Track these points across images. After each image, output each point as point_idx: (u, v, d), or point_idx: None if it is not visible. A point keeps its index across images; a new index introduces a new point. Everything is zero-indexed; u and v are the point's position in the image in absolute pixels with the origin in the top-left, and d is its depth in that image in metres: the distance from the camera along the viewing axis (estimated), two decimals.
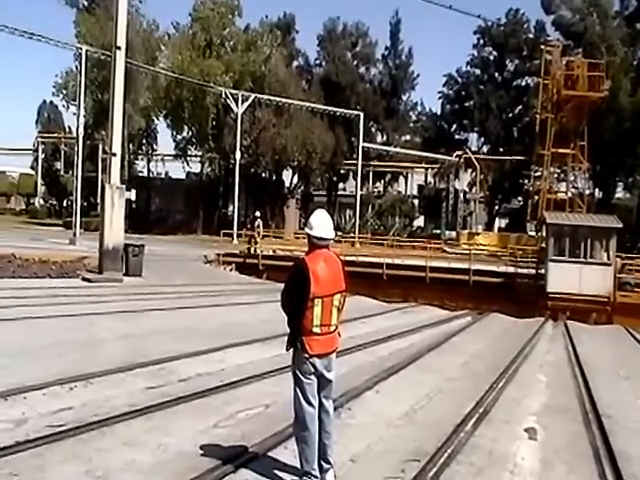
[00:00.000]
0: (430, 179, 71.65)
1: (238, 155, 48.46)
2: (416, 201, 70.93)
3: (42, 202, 77.49)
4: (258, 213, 39.72)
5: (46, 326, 13.10)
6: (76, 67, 49.07)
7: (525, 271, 30.47)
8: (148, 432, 7.01)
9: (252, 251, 35.19)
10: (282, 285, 5.74)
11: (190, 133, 61.81)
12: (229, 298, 20.76)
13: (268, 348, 11.50)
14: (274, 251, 36.19)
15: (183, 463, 6.13)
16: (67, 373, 8.99)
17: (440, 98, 72.16)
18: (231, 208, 53.31)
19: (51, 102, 79.23)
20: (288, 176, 67.79)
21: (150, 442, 6.69)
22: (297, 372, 5.60)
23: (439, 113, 72.86)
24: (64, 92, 57.82)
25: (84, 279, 21.59)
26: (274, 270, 30.33)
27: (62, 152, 73.08)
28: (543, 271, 28.04)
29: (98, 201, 43.52)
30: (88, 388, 8.57)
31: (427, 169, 69.70)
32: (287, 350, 5.65)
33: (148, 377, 9.31)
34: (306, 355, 5.51)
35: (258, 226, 36.14)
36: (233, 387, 9.07)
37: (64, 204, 71.29)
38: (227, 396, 8.62)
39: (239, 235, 43.45)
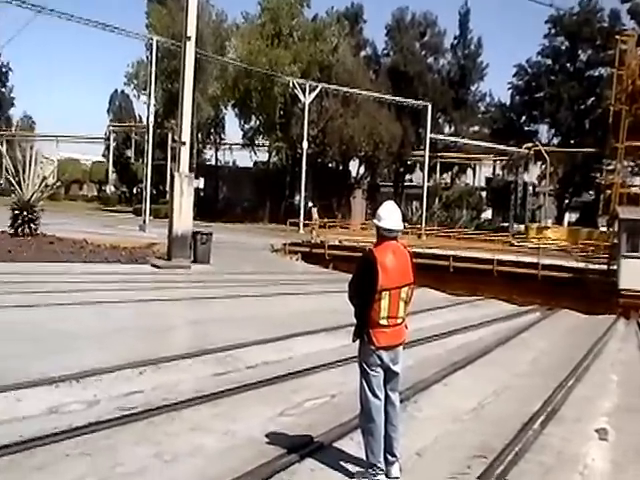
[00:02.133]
0: (498, 171, 70.68)
1: (305, 145, 48.62)
2: (484, 193, 69.99)
3: (113, 189, 79.24)
4: (311, 203, 39.91)
5: (116, 311, 13.40)
6: (147, 57, 50.05)
7: (596, 267, 29.75)
8: (216, 418, 7.10)
9: (312, 241, 35.33)
10: (348, 276, 5.73)
11: (258, 122, 62.23)
12: (295, 287, 20.86)
13: (334, 338, 11.51)
14: (340, 241, 36.21)
15: (250, 450, 6.18)
16: (137, 357, 9.16)
17: (510, 89, 71.17)
18: (298, 197, 53.55)
19: (122, 91, 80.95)
20: (355, 166, 67.71)
21: (218, 428, 6.78)
22: (363, 364, 5.58)
23: (508, 104, 71.77)
24: (135, 82, 58.99)
25: (153, 265, 21.99)
26: (340, 260, 30.40)
27: (133, 140, 74.63)
28: (615, 267, 27.35)
29: (167, 189, 44.34)
30: (157, 373, 8.72)
31: (495, 161, 68.74)
32: (353, 341, 5.64)
33: (215, 363, 9.42)
34: (373, 347, 5.49)
35: (312, 215, 36.27)
36: (300, 376, 9.12)
37: (134, 191, 72.69)
38: (294, 384, 8.67)
39: (305, 225, 43.63)
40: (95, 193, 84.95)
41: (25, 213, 24.40)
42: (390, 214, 5.67)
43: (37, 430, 6.22)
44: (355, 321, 5.62)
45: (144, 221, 38.13)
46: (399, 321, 5.61)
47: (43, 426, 6.36)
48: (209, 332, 12.04)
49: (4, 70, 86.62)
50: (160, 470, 5.66)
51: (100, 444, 6.10)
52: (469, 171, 73.49)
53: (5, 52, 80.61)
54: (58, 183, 33.06)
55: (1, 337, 10.16)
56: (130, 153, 76.20)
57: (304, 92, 49.35)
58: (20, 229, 24.16)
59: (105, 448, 6.01)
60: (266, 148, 64.51)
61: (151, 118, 40.84)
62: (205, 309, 14.90)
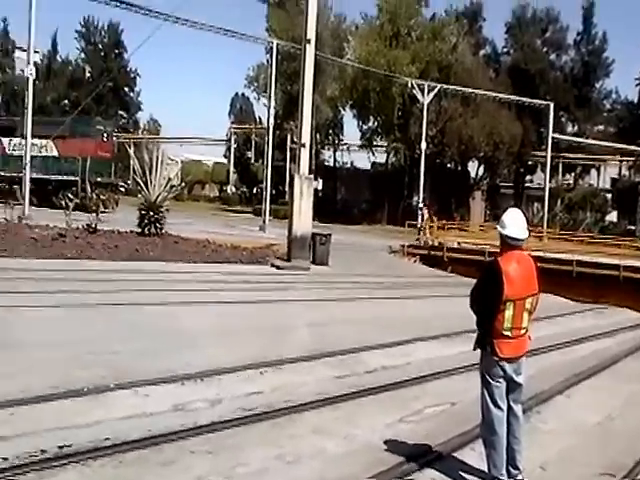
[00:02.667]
0: (625, 172, 67.69)
1: (424, 145, 48.23)
2: (609, 195, 67.22)
3: (234, 189, 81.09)
4: (421, 204, 39.50)
5: (238, 310, 13.74)
6: (267, 60, 51.03)
7: None
8: (336, 421, 7.15)
9: (422, 242, 35.05)
10: (467, 279, 5.69)
11: (376, 123, 62.27)
12: (413, 290, 20.75)
13: (453, 343, 11.40)
14: (459, 243, 35.69)
15: (369, 455, 6.18)
16: (258, 358, 9.34)
17: (638, 85, 67.86)
18: (416, 198, 53.19)
19: (243, 94, 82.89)
20: (474, 167, 66.54)
21: (338, 432, 6.81)
22: (486, 374, 5.50)
23: (636, 101, 68.48)
24: (255, 84, 60.37)
25: (273, 266, 22.40)
26: (459, 263, 29.98)
27: (253, 142, 76.28)
28: None
29: (286, 189, 45.01)
30: (277, 373, 8.85)
31: (622, 161, 65.88)
32: (474, 349, 5.57)
33: (335, 366, 9.47)
34: (496, 358, 5.41)
35: (422, 216, 36.00)
36: (419, 382, 9.06)
37: (254, 191, 74.19)
38: (413, 391, 8.62)
39: (427, 229, 43.23)
40: (216, 193, 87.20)
41: (151, 213, 25.39)
42: (515, 221, 5.54)
43: (164, 426, 6.44)
44: (477, 329, 5.54)
45: (264, 221, 38.86)
46: (523, 332, 5.51)
47: (170, 423, 6.57)
48: (329, 334, 12.14)
49: (132, 76, 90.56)
50: (281, 472, 5.74)
51: (224, 443, 6.25)
52: (593, 172, 70.76)
53: (132, 58, 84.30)
54: (182, 184, 34.28)
55: (128, 334, 10.62)
56: (250, 154, 77.95)
57: (422, 92, 48.96)
58: (147, 229, 25.18)
59: (228, 447, 6.15)
60: (384, 149, 64.50)
61: (271, 120, 41.54)
62: (324, 311, 15.04)
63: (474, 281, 5.63)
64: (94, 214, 24.86)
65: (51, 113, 72.67)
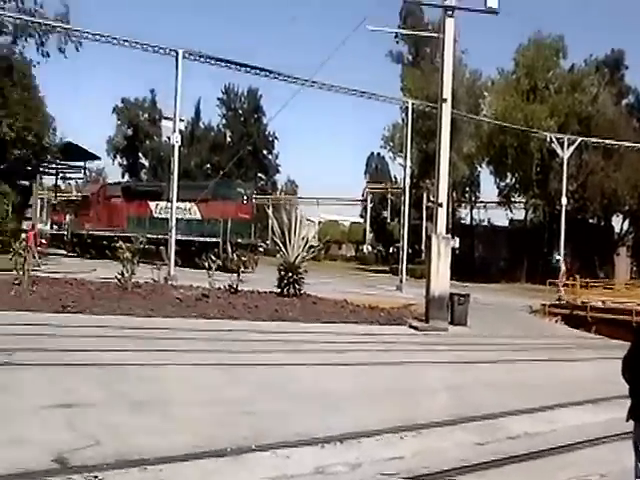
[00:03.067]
0: None
1: (564, 201, 46.85)
2: None
3: (370, 249, 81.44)
4: (558, 257, 38.07)
5: (376, 372, 13.73)
6: (402, 119, 51.58)
7: None
8: None
9: (559, 300, 33.78)
10: (613, 341, 5.46)
11: (513, 179, 61.32)
12: (556, 353, 20.01)
13: (601, 410, 10.89)
14: (603, 302, 34.13)
15: None
16: (397, 421, 9.26)
17: None
18: (556, 256, 51.53)
19: (378, 154, 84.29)
20: (618, 222, 63.98)
21: None
22: None
23: None
24: (391, 144, 61.09)
25: (411, 327, 22.28)
26: (604, 323, 28.64)
27: (389, 201, 76.84)
28: None
29: (423, 248, 44.86)
30: (417, 438, 8.72)
31: None
32: (627, 420, 5.27)
33: (476, 431, 9.26)
34: None
35: (559, 271, 34.70)
36: (564, 450, 8.67)
37: (390, 251, 74.25)
38: (559, 460, 8.27)
39: (565, 285, 41.74)
40: (353, 253, 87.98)
41: (290, 274, 25.98)
42: None
43: None
44: (630, 398, 5.31)
45: (401, 281, 38.77)
46: None
47: None
48: (469, 397, 11.90)
49: (270, 139, 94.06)
50: None
51: None
52: None
53: (271, 122, 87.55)
54: (320, 244, 34.88)
55: (269, 394, 10.85)
56: (386, 213, 78.47)
57: (562, 146, 47.75)
58: (286, 289, 25.76)
59: None
60: (522, 205, 63.30)
61: (407, 179, 41.77)
62: (464, 373, 14.78)
63: (621, 343, 5.44)
64: (235, 275, 25.79)
65: (195, 177, 76.56)
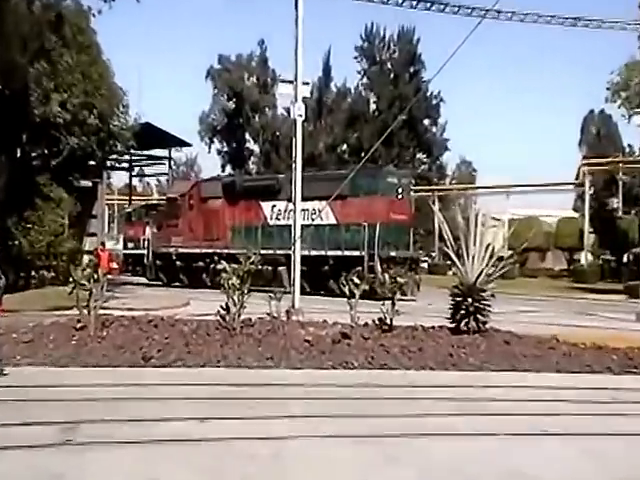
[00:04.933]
0: None
1: None
2: None
3: (590, 258, 78.08)
4: None
5: (609, 451, 13.18)
6: None
7: None
8: None
9: None
10: None
11: None
12: None
13: None
14: None
15: None
16: None
17: None
18: None
19: (601, 112, 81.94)
20: None
21: None
22: None
23: None
24: (623, 95, 58.89)
25: None
26: None
27: (620, 183, 74.23)
28: None
29: None
30: None
31: None
32: None
33: None
34: None
35: None
36: None
37: (624, 259, 70.88)
38: None
39: None
40: (564, 265, 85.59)
41: (470, 300, 25.52)
42: None
43: None
44: None
45: None
46: None
47: None
48: None
49: (434, 103, 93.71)
50: None
51: None
52: None
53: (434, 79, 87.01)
54: (512, 255, 34.16)
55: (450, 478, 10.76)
56: (616, 203, 75.82)
57: None
58: (464, 322, 25.35)
59: None
60: None
61: None
62: None
63: None
64: (388, 304, 25.68)
65: (325, 165, 77.73)
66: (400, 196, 45.45)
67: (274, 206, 47.83)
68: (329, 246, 44.38)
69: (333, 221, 45.22)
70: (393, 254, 42.47)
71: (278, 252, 42.48)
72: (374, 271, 39.48)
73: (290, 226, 34.99)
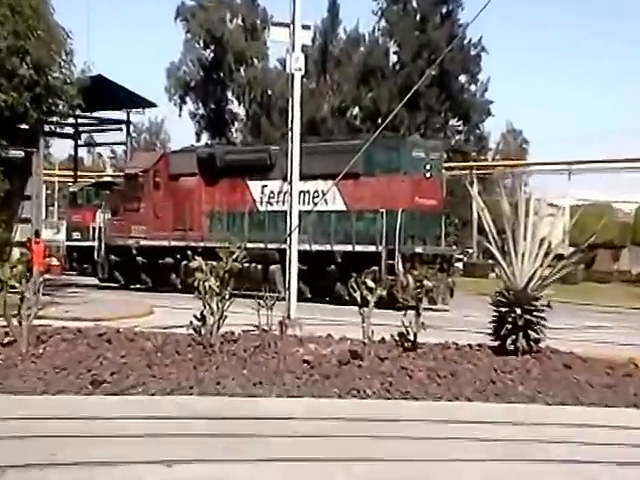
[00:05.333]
0: None
1: None
2: None
3: None
4: None
5: None
6: None
7: None
8: None
9: None
10: None
11: None
12: None
13: None
14: None
15: None
16: None
17: None
18: None
19: None
20: None
21: None
22: None
23: None
24: None
25: None
26: None
27: None
28: None
29: None
30: None
31: None
32: None
33: None
34: None
35: None
36: None
37: None
38: None
39: None
40: None
41: (518, 311, 25.30)
42: None
43: None
44: None
45: None
46: None
47: None
48: None
49: (474, 53, 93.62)
50: None
51: None
52: None
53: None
54: (575, 252, 33.88)
55: None
56: None
57: None
58: (510, 340, 25.17)
59: None
60: None
61: None
62: None
63: None
64: (413, 314, 25.52)
65: (329, 133, 77.67)
66: (429, 174, 45.38)
67: (265, 186, 47.92)
68: (336, 239, 44.48)
69: (342, 207, 45.29)
70: (419, 250, 42.56)
71: (270, 246, 42.58)
72: (394, 272, 39.43)
73: (286, 213, 34.91)
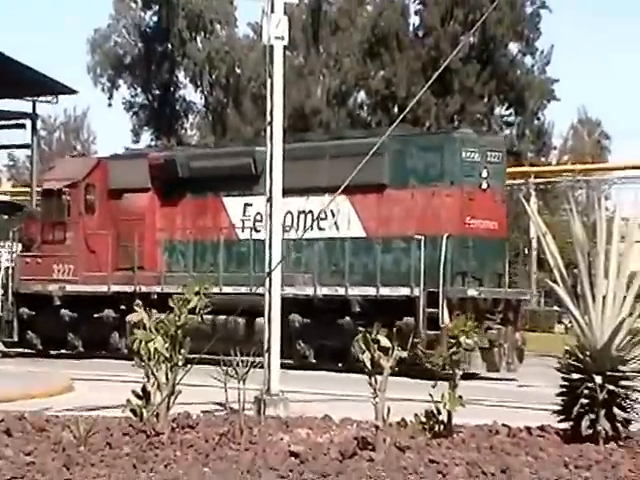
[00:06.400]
0: None
1: None
2: None
3: None
4: None
5: None
6: None
7: None
8: None
9: None
10: None
11: None
12: None
13: None
14: None
15: None
16: None
17: None
18: None
19: None
20: None
21: None
22: None
23: None
24: None
25: None
26: None
27: None
28: None
29: None
30: None
31: None
32: None
33: None
34: None
35: None
36: None
37: None
38: None
39: None
40: None
41: (598, 380, 24.90)
42: None
43: None
44: None
45: None
46: None
47: None
48: None
49: (530, 11, 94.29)
50: None
51: None
52: None
53: None
54: None
55: None
56: None
57: None
58: (586, 421, 24.69)
59: None
60: None
61: None
62: None
63: None
64: (449, 384, 25.26)
65: (324, 128, 78.17)
66: (486, 185, 45.01)
67: (249, 205, 47.62)
68: (353, 279, 44.19)
69: (360, 232, 45.00)
70: (473, 293, 42.35)
71: (256, 290, 42.51)
72: (437, 325, 39.45)
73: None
